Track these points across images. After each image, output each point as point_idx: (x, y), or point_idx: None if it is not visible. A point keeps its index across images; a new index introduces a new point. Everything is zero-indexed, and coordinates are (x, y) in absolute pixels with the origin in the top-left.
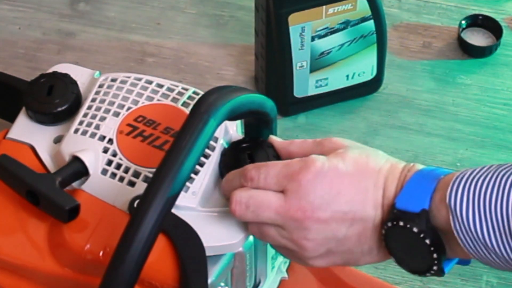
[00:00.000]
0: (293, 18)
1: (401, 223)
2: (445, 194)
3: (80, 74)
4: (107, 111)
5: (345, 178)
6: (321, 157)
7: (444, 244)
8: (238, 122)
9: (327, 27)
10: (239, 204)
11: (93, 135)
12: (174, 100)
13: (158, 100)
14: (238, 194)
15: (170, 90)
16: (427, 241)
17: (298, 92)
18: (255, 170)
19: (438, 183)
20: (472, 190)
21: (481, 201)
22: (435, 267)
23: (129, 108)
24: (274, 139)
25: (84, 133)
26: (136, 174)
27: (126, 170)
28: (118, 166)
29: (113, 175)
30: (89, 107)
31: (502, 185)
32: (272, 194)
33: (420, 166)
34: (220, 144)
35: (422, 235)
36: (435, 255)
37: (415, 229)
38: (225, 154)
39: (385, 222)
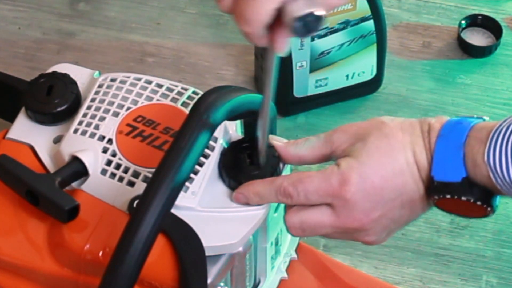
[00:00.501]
0: None
1: (448, 196)
2: (481, 156)
3: (79, 74)
4: (106, 111)
5: (381, 171)
6: (351, 162)
7: (492, 195)
8: (238, 122)
9: (326, 27)
10: (294, 229)
11: (92, 135)
12: (174, 100)
13: (158, 100)
14: (290, 219)
15: (170, 90)
16: (479, 203)
17: (298, 92)
18: (292, 187)
19: (465, 148)
20: (510, 146)
21: None
22: (489, 213)
23: (128, 108)
24: (275, 142)
25: (84, 133)
26: (136, 174)
27: (126, 170)
28: (118, 166)
29: (113, 175)
30: (89, 107)
31: None
32: (320, 213)
33: (436, 125)
34: (220, 144)
35: (472, 200)
36: (488, 209)
37: (463, 198)
38: (224, 154)
39: (431, 195)
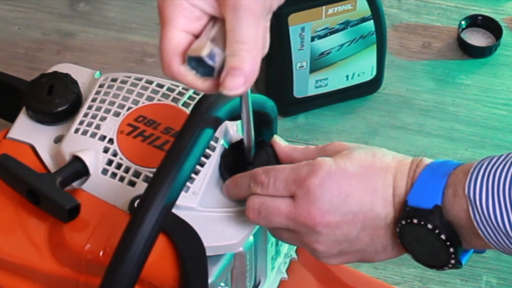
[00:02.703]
0: (293, 18)
1: (415, 221)
2: (461, 187)
3: (80, 74)
4: (107, 111)
5: (353, 180)
6: (327, 159)
7: (460, 238)
8: (238, 122)
9: (327, 28)
10: (252, 210)
11: (93, 135)
12: (175, 100)
13: (159, 100)
14: (252, 200)
15: (171, 90)
16: (443, 237)
17: (298, 93)
18: (265, 175)
19: (448, 177)
20: (491, 180)
21: (501, 189)
22: (452, 261)
23: (129, 108)
24: (277, 141)
25: (85, 133)
26: (137, 174)
27: (127, 170)
28: (119, 166)
29: (114, 175)
30: (90, 107)
31: None
32: (281, 201)
33: (428, 161)
34: (221, 144)
35: (437, 231)
36: (451, 250)
37: (429, 226)
38: (225, 154)
39: (399, 220)
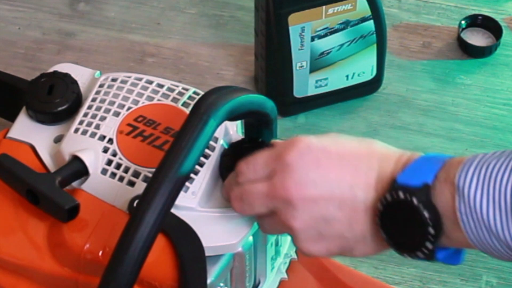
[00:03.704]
0: (293, 18)
1: (401, 195)
2: (452, 174)
3: (80, 74)
4: (107, 110)
5: (334, 158)
6: (309, 136)
7: (442, 222)
8: (238, 122)
9: (327, 27)
10: (235, 200)
11: (93, 134)
12: (175, 100)
13: (159, 100)
14: (233, 190)
15: (171, 90)
16: (426, 214)
17: (298, 92)
18: (245, 164)
19: (444, 164)
20: (484, 171)
21: (491, 182)
22: (428, 244)
23: (129, 108)
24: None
25: (84, 132)
26: (136, 174)
27: (126, 170)
28: (118, 166)
29: (113, 174)
30: (90, 107)
31: None
32: (261, 183)
33: (421, 153)
34: (220, 145)
35: (421, 207)
36: (431, 230)
37: (414, 201)
38: (225, 154)
39: (383, 197)
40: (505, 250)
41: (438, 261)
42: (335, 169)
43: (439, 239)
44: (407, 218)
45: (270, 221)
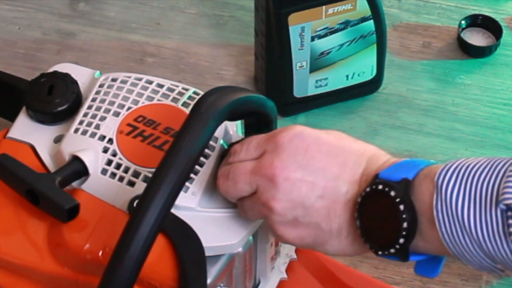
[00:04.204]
0: (293, 18)
1: (380, 187)
2: (433, 172)
3: (80, 74)
4: (107, 111)
5: (324, 148)
6: (303, 126)
7: (417, 219)
8: (238, 122)
9: (327, 27)
10: (221, 177)
11: (93, 134)
12: (174, 100)
13: (158, 100)
14: (222, 168)
15: (170, 90)
16: (401, 207)
17: (298, 92)
18: (239, 144)
19: (428, 165)
20: (463, 170)
21: (469, 179)
22: (401, 240)
23: (129, 108)
24: None
25: (84, 132)
26: (136, 174)
27: (126, 170)
28: (118, 166)
29: (113, 175)
30: (90, 107)
31: (493, 168)
32: (250, 162)
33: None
34: (220, 145)
35: (397, 200)
36: (405, 225)
37: (392, 193)
38: (225, 154)
39: (364, 190)
40: (477, 252)
41: (415, 269)
42: (324, 158)
43: (413, 236)
44: (383, 210)
45: (250, 202)
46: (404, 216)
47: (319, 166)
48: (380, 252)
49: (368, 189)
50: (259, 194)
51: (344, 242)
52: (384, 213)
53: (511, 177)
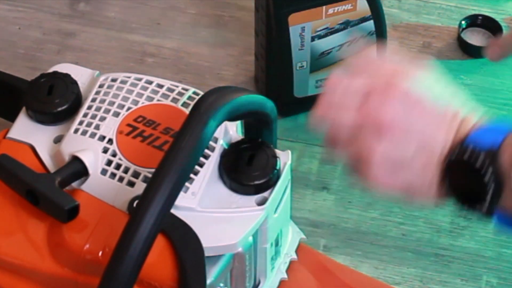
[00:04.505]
0: (293, 18)
1: (466, 157)
2: None
3: (80, 74)
4: (107, 111)
5: (427, 108)
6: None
7: (502, 187)
8: (238, 122)
9: (327, 27)
10: (321, 106)
11: (93, 135)
12: (174, 100)
13: (158, 100)
14: (326, 96)
15: (170, 90)
16: (486, 179)
17: (298, 92)
18: (339, 79)
19: None
20: None
21: None
22: (484, 207)
23: (129, 108)
24: None
25: (84, 133)
26: (136, 174)
27: (126, 170)
28: (118, 166)
29: (113, 175)
30: (89, 107)
31: None
32: (357, 97)
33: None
34: (220, 145)
35: (482, 172)
36: (488, 197)
37: (478, 164)
38: (225, 154)
39: (451, 155)
40: None
41: (495, 225)
42: (425, 118)
43: (497, 201)
44: (469, 178)
45: (344, 136)
46: (488, 186)
47: (421, 125)
48: (466, 207)
49: (457, 155)
50: (362, 137)
51: (432, 196)
52: (470, 180)
53: None
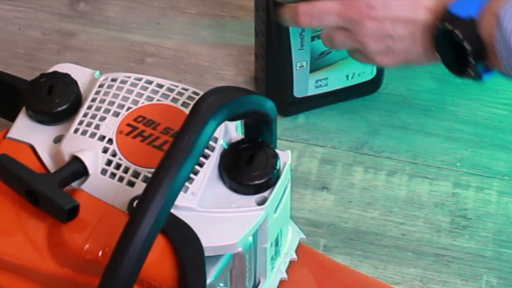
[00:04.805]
0: None
1: (448, 26)
2: (495, 6)
3: (80, 74)
4: (107, 111)
5: None
6: None
7: (484, 52)
8: (238, 122)
9: None
10: (303, 15)
11: (93, 135)
12: (174, 100)
13: (158, 100)
14: (302, 6)
15: (170, 90)
16: (466, 46)
17: (298, 92)
18: None
19: None
20: None
21: None
22: (470, 71)
23: (129, 108)
24: None
25: (84, 133)
26: (136, 174)
27: (126, 170)
28: (118, 166)
29: (113, 175)
30: (89, 107)
31: None
32: (329, 2)
33: None
34: (220, 145)
35: (463, 39)
36: (471, 60)
37: (458, 33)
38: (224, 154)
39: (436, 25)
40: None
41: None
42: None
43: (479, 67)
44: (454, 45)
45: (338, 35)
46: (469, 53)
47: (397, 2)
48: (457, 75)
49: (440, 26)
50: (351, 32)
51: (431, 57)
52: (455, 48)
53: None
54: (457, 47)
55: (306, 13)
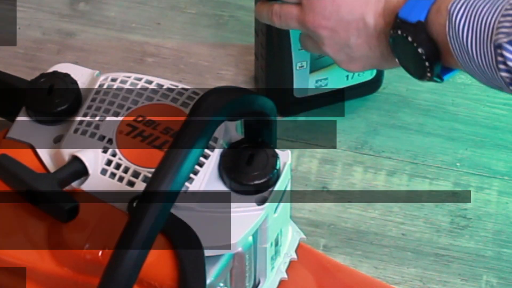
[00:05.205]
0: None
1: (399, 32)
2: (445, 5)
3: (80, 74)
4: (107, 111)
5: None
6: None
7: (438, 53)
8: (238, 122)
9: None
10: (275, 15)
11: (92, 135)
12: (174, 100)
13: (158, 100)
14: (274, 7)
15: (170, 90)
16: (420, 50)
17: (298, 92)
18: None
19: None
20: (471, 4)
21: (473, 13)
22: (428, 74)
23: (129, 108)
24: None
25: (84, 132)
26: (136, 174)
27: (126, 170)
28: (118, 166)
29: (113, 175)
30: (89, 107)
31: (494, 2)
32: (293, 7)
33: None
34: (220, 145)
35: (415, 44)
36: (426, 63)
37: (409, 38)
38: (224, 154)
39: (389, 30)
40: (482, 77)
41: (446, 79)
42: (348, 2)
43: (437, 66)
44: (408, 51)
45: (307, 42)
46: (424, 57)
47: (347, 11)
48: (417, 77)
49: (391, 32)
50: (314, 40)
51: (392, 62)
52: (410, 54)
53: (506, 16)
54: (411, 50)
55: (277, 13)
